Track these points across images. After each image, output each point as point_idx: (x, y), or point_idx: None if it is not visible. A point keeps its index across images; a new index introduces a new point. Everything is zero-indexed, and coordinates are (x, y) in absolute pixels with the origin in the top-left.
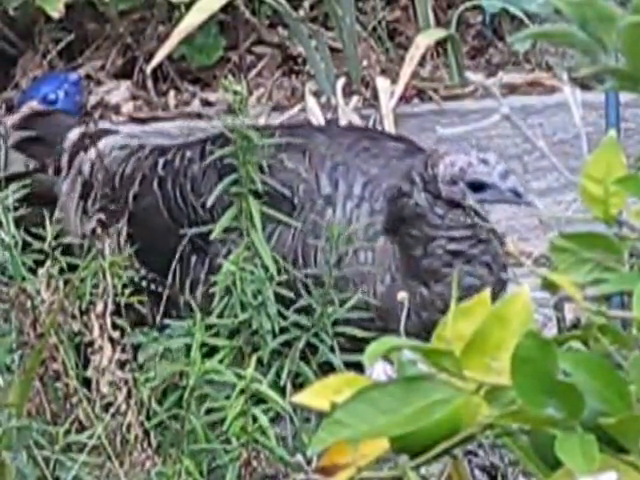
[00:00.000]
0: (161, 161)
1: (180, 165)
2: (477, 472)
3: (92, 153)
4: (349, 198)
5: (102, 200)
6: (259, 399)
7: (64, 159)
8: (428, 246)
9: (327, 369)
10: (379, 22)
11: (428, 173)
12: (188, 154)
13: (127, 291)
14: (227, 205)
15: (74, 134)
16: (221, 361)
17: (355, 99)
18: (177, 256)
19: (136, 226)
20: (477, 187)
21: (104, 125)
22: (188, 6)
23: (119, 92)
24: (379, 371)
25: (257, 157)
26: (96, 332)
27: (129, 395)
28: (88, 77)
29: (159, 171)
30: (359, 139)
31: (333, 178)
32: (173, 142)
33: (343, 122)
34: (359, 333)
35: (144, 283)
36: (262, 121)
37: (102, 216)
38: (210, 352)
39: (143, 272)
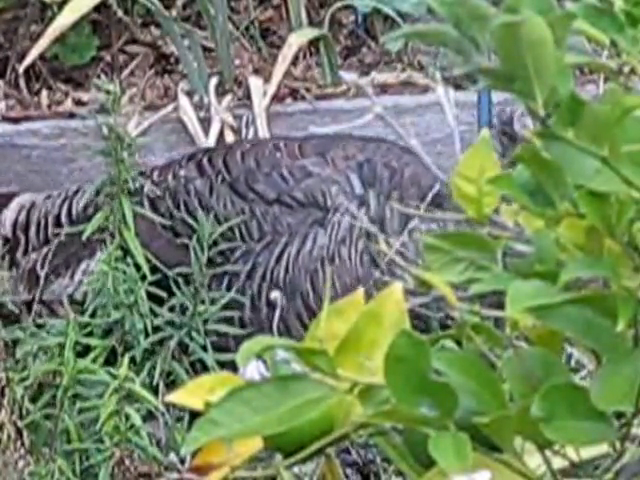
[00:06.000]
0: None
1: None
2: (349, 470)
3: (6, 212)
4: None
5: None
6: (132, 398)
7: None
8: None
9: (199, 368)
10: (252, 21)
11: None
12: (182, 172)
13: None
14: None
15: None
16: (94, 360)
17: (228, 98)
18: None
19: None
20: None
21: None
22: (61, 5)
23: None
24: (252, 370)
25: (130, 156)
26: None
27: (2, 394)
28: None
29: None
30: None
31: (364, 177)
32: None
33: (216, 122)
34: (232, 331)
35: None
36: (134, 120)
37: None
38: (84, 351)
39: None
